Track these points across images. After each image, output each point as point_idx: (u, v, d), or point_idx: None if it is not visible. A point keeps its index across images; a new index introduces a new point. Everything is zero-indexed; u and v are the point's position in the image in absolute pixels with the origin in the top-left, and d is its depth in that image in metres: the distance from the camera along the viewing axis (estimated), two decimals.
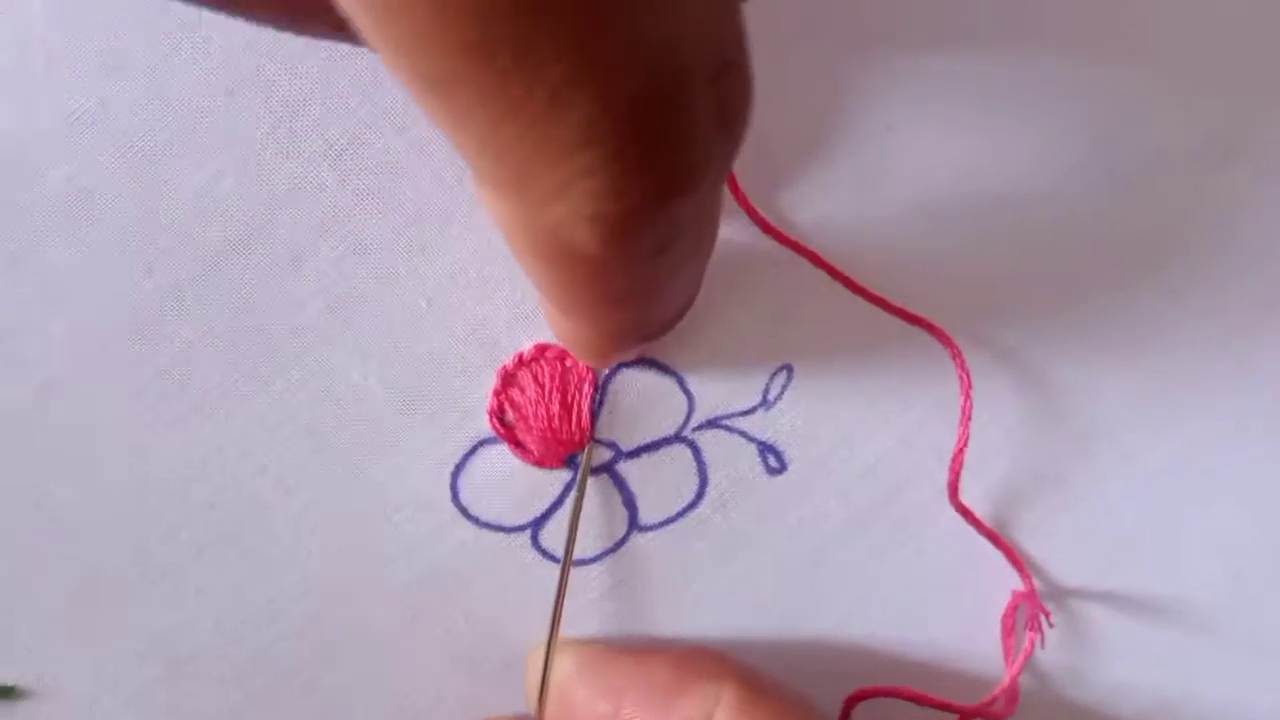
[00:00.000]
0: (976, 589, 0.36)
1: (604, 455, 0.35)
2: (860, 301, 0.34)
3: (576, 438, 0.34)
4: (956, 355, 0.35)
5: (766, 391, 0.35)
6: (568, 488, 0.35)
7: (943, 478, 0.36)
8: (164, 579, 0.34)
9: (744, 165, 0.33)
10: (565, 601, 0.35)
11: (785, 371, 0.35)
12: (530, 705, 0.34)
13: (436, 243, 0.33)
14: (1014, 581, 0.36)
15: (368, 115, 0.32)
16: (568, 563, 0.34)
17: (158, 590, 0.34)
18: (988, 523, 0.36)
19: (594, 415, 0.34)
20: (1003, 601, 0.36)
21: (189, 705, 0.35)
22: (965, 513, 0.35)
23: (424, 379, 0.34)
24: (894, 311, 0.35)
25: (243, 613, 0.34)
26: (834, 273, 0.34)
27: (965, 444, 0.34)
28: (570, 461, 0.35)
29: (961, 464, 0.34)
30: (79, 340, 0.32)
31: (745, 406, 0.35)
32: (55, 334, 0.32)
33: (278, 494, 0.34)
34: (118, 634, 0.34)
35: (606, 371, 0.34)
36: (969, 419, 0.34)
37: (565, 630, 0.36)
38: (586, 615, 0.36)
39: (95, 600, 0.34)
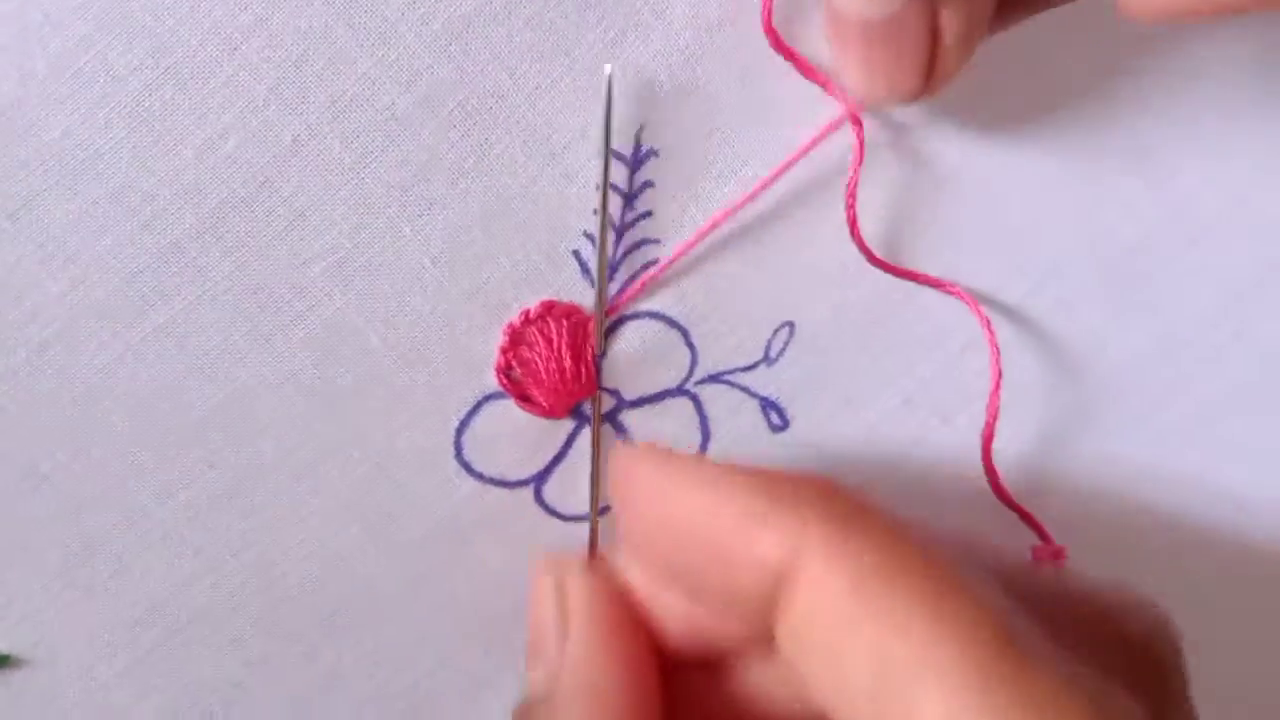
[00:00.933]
0: None
1: (607, 403, 0.35)
2: (861, 257, 0.35)
3: (586, 389, 0.35)
4: (976, 310, 0.35)
5: (768, 348, 0.36)
6: (570, 439, 0.35)
7: (947, 438, 0.36)
8: (161, 542, 0.33)
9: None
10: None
11: (787, 328, 0.36)
12: None
13: (442, 201, 0.32)
14: (1029, 539, 0.36)
15: (372, 69, 0.31)
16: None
17: (154, 554, 0.33)
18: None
19: (598, 364, 0.34)
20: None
21: (186, 673, 0.35)
22: (993, 476, 0.35)
23: (428, 339, 0.33)
24: (904, 275, 0.35)
25: (241, 576, 0.34)
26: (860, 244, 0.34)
27: (998, 385, 0.34)
28: (576, 411, 0.35)
29: (994, 424, 0.34)
30: (76, 298, 0.31)
31: (747, 362, 0.36)
32: (53, 292, 0.31)
33: (278, 453, 0.33)
34: (114, 600, 0.34)
35: (608, 323, 0.34)
36: (1000, 370, 0.34)
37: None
38: None
39: (91, 565, 0.33)
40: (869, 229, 0.34)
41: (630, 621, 0.29)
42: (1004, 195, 0.36)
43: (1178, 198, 0.37)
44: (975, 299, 0.34)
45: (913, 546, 0.24)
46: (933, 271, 0.35)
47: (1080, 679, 0.23)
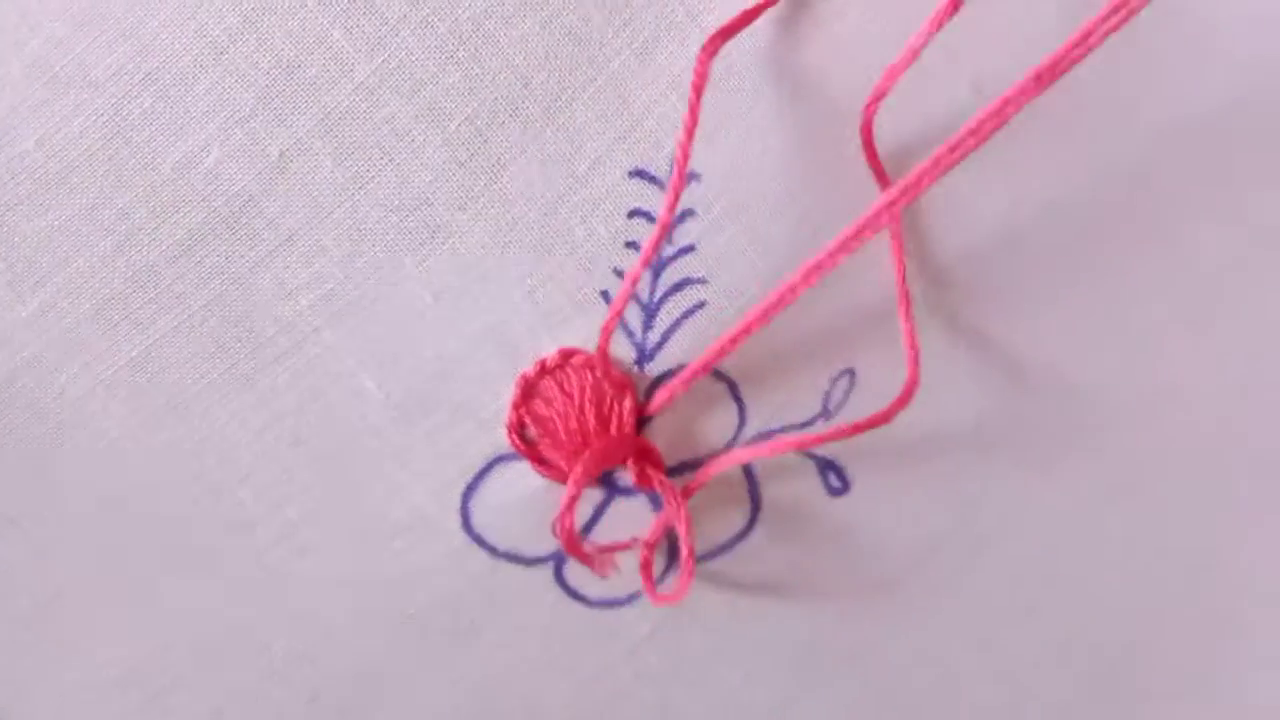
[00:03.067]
0: None
1: None
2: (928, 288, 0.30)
3: (616, 454, 0.30)
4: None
5: (827, 400, 0.31)
6: (598, 511, 0.31)
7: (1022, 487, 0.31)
8: (136, 599, 0.30)
9: None
10: (598, 649, 0.31)
11: (847, 376, 0.30)
12: None
13: (447, 228, 0.29)
14: None
15: (370, 78, 0.28)
16: None
17: (130, 611, 0.31)
18: None
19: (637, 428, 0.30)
20: None
21: None
22: None
23: (430, 386, 0.30)
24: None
25: (222, 644, 0.31)
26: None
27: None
28: (603, 478, 0.30)
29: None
30: (47, 324, 0.29)
31: (804, 417, 0.31)
32: (22, 316, 0.29)
33: (261, 508, 0.30)
34: (87, 656, 0.31)
35: (652, 376, 0.30)
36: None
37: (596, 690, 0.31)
38: (620, 669, 0.32)
39: (63, 618, 0.31)
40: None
41: None
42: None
43: None
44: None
45: None
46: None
47: None
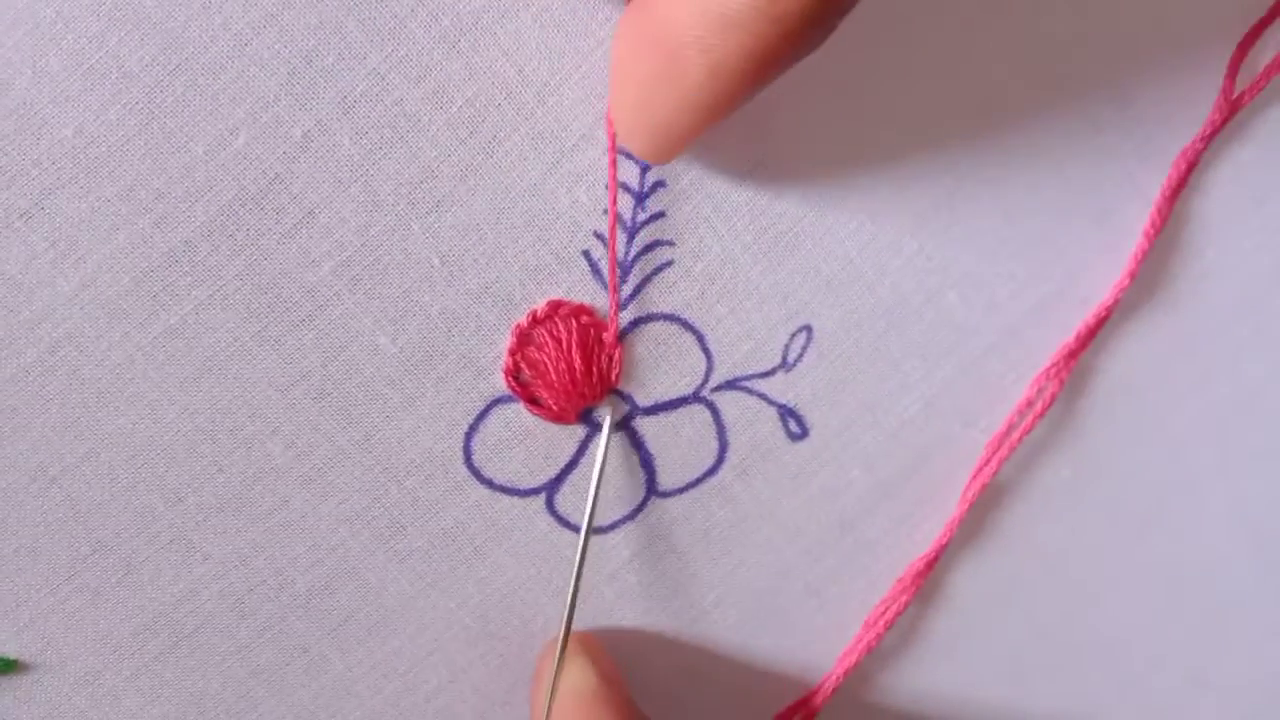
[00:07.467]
0: None
1: (620, 409, 0.34)
2: (880, 256, 0.34)
3: (598, 391, 0.34)
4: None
5: (786, 352, 0.35)
6: (583, 446, 0.34)
7: (968, 444, 0.35)
8: (170, 546, 0.33)
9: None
10: (584, 571, 0.35)
11: (805, 332, 0.35)
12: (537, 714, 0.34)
13: (450, 198, 0.32)
14: None
15: (382, 65, 0.31)
16: (586, 540, 0.34)
17: (164, 558, 0.33)
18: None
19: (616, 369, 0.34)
20: None
21: (193, 682, 0.34)
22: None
23: (436, 340, 0.33)
24: None
25: (250, 582, 0.34)
26: None
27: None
28: (586, 416, 0.34)
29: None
30: (88, 298, 0.31)
31: (765, 368, 0.35)
32: (64, 291, 0.31)
33: (288, 457, 0.33)
34: (122, 605, 0.33)
35: (625, 324, 0.34)
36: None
37: (582, 608, 0.35)
38: (604, 589, 0.36)
39: (99, 568, 0.33)
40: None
41: None
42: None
43: None
44: None
45: None
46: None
47: None
